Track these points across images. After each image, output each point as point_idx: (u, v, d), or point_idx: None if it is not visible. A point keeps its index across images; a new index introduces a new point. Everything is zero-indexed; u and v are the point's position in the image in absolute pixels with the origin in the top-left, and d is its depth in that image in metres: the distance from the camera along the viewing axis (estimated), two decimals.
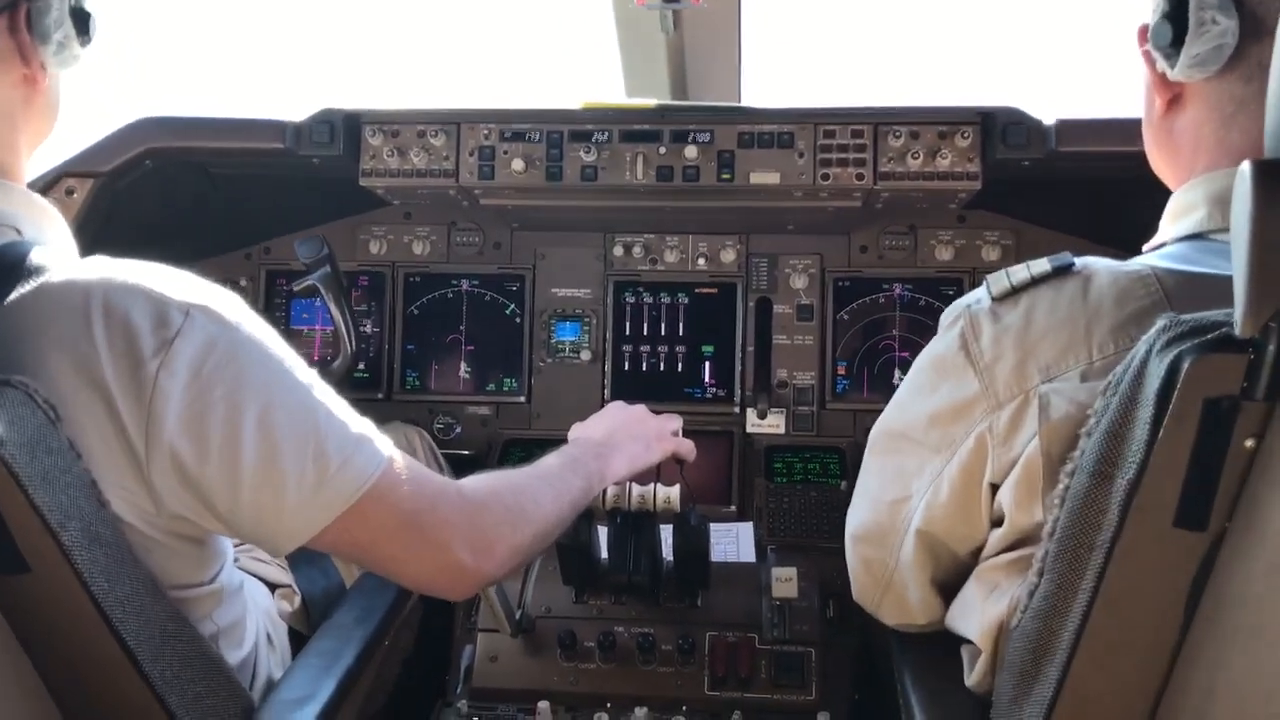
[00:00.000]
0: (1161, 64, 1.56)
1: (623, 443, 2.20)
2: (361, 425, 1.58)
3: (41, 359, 1.40)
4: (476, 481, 1.76)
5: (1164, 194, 1.69)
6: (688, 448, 2.33)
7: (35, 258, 1.47)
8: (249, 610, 1.84)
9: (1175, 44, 1.50)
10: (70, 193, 2.70)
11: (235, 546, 1.92)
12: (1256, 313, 1.08)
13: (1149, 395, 1.19)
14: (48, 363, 1.40)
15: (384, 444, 1.59)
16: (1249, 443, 1.15)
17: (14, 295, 1.42)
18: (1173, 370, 1.16)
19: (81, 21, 1.62)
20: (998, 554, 1.60)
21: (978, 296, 1.62)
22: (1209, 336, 1.16)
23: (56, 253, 1.55)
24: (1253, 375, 1.12)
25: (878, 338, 3.12)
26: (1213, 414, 1.15)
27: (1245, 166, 1.09)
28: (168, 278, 1.49)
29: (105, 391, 1.40)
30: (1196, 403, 1.15)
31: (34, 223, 1.61)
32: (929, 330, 3.06)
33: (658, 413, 2.37)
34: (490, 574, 1.71)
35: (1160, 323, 1.23)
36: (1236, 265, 1.09)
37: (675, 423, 2.37)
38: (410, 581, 1.71)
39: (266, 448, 1.46)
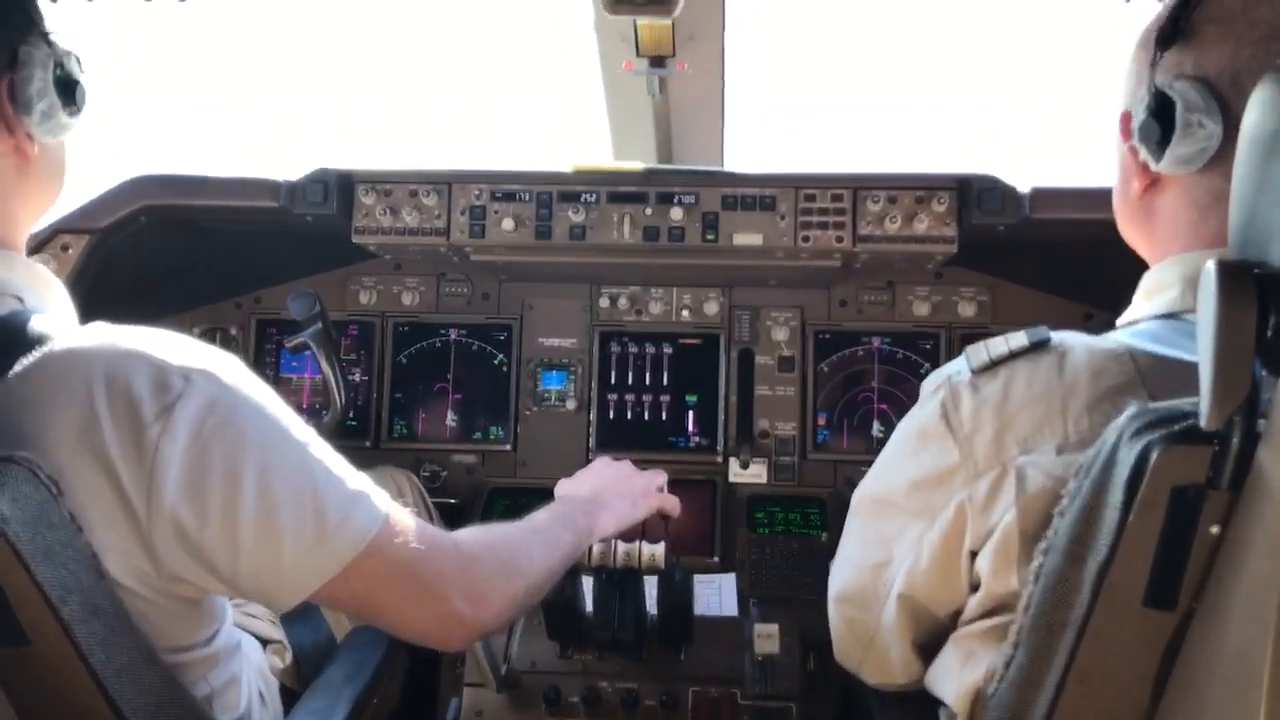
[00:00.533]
0: (1145, 155, 1.60)
1: (610, 500, 2.23)
2: (359, 481, 1.61)
3: (44, 430, 1.41)
4: (471, 534, 1.79)
5: (1133, 255, 1.75)
6: (673, 504, 2.36)
7: (36, 326, 1.49)
8: (244, 669, 1.85)
9: (1161, 142, 1.54)
10: (65, 249, 2.72)
11: (231, 602, 1.94)
12: (1221, 407, 1.13)
13: (1119, 482, 1.24)
14: (50, 433, 1.41)
15: (381, 499, 1.62)
16: (1214, 529, 1.19)
17: (17, 366, 1.44)
18: (1141, 459, 1.21)
19: (68, 91, 1.62)
20: (974, 620, 1.64)
21: (958, 368, 1.65)
22: (1176, 428, 1.21)
23: (57, 321, 1.57)
24: (1217, 466, 1.17)
25: (857, 389, 3.18)
26: (1180, 502, 1.19)
27: (1210, 266, 1.13)
28: (169, 343, 1.51)
29: (107, 460, 1.42)
30: (1164, 491, 1.20)
31: (35, 291, 1.62)
32: (907, 382, 3.16)
33: (643, 467, 2.40)
34: (486, 625, 1.74)
35: (1130, 410, 1.28)
36: (1202, 361, 1.14)
37: (660, 478, 2.40)
38: (407, 633, 1.72)
39: (265, 507, 1.48)
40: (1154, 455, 1.20)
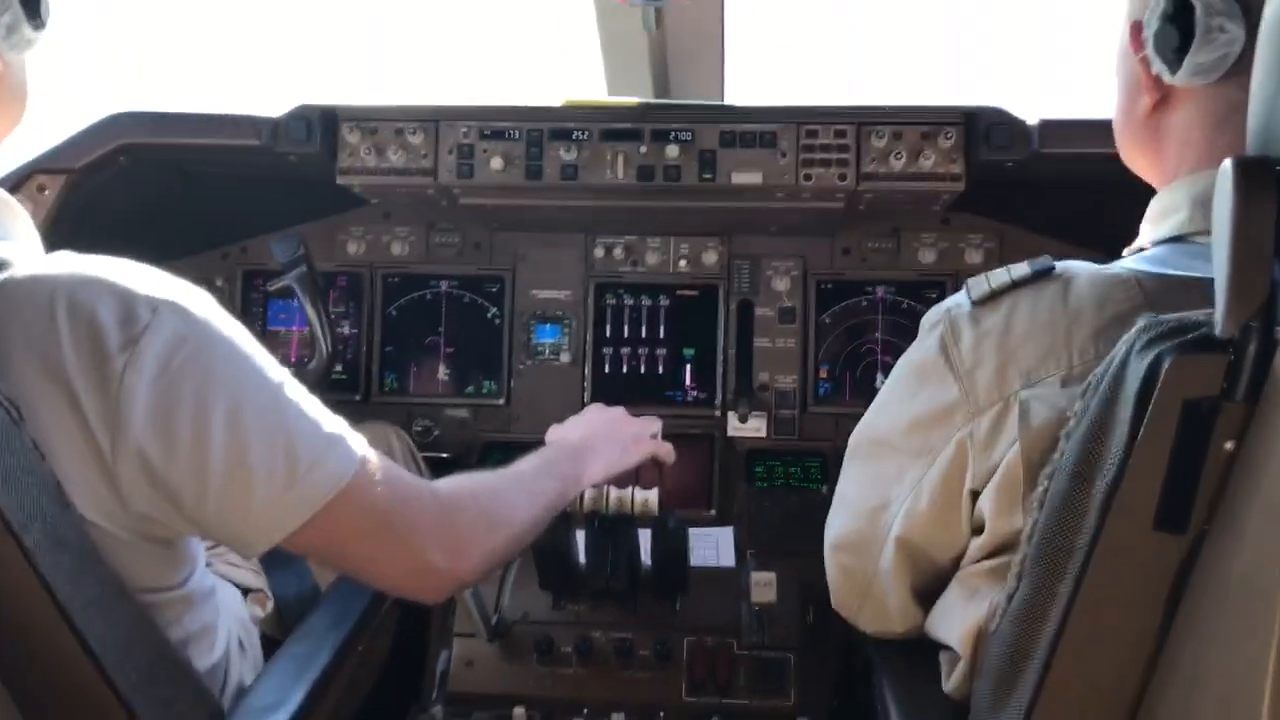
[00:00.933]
0: (1158, 66, 1.53)
1: (600, 446, 2.18)
2: (335, 424, 1.56)
3: (5, 357, 1.37)
4: (451, 483, 1.74)
5: (1146, 196, 1.68)
6: (666, 450, 2.31)
7: None
8: (220, 615, 1.81)
9: (1179, 50, 1.46)
10: (42, 190, 2.66)
11: (207, 549, 1.89)
12: (1236, 312, 1.07)
13: (1128, 395, 1.18)
14: (11, 361, 1.37)
15: (358, 444, 1.56)
16: (1228, 445, 1.13)
17: None
18: (1152, 370, 1.15)
19: (31, 3, 1.56)
20: (978, 561, 1.59)
21: (958, 300, 1.60)
22: (1189, 337, 1.15)
23: (21, 249, 1.52)
24: (1232, 376, 1.11)
25: (860, 341, 3.11)
26: (1192, 415, 1.13)
27: (1227, 164, 1.07)
28: (135, 273, 1.46)
29: (70, 390, 1.37)
30: (1176, 404, 1.14)
31: None
32: (911, 333, 3.02)
33: (637, 415, 2.35)
34: (464, 577, 1.69)
35: (1140, 323, 1.22)
36: (1217, 264, 1.08)
37: (654, 425, 2.35)
38: (383, 584, 1.69)
39: (235, 445, 1.44)
40: (1165, 366, 1.14)
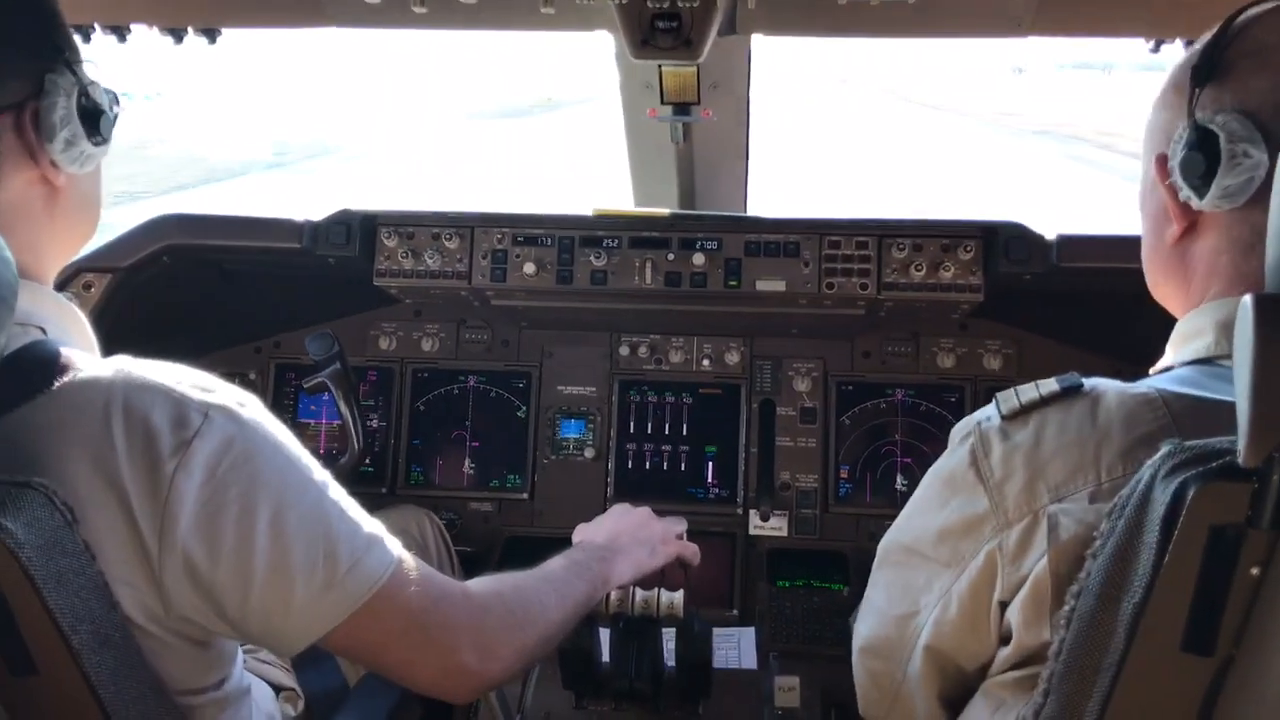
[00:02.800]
0: (1186, 193, 1.57)
1: (627, 546, 2.19)
2: (373, 526, 1.59)
3: (61, 458, 1.41)
4: (482, 584, 1.76)
5: (1161, 309, 1.72)
6: (692, 551, 2.32)
7: (58, 356, 1.48)
8: (254, 716, 1.82)
9: (1206, 176, 1.51)
10: (88, 287, 2.74)
11: (242, 648, 1.91)
12: (1260, 443, 1.10)
13: (1154, 520, 1.20)
14: (67, 461, 1.41)
15: (394, 545, 1.60)
16: (1254, 570, 1.16)
17: (38, 395, 1.43)
18: (1178, 497, 1.18)
19: (92, 120, 1.61)
20: (1005, 671, 1.59)
21: (988, 414, 1.62)
22: (1214, 465, 1.17)
23: (79, 352, 1.57)
24: (1257, 504, 1.14)
25: (880, 442, 3.14)
26: (1218, 541, 1.16)
27: (1247, 300, 1.11)
28: (188, 378, 1.50)
29: (122, 491, 1.41)
30: (1202, 530, 1.16)
31: (58, 323, 1.61)
32: (931, 436, 3.12)
33: (662, 515, 2.37)
34: (495, 677, 1.70)
35: (1165, 448, 1.24)
36: (1239, 396, 1.11)
37: (680, 526, 2.36)
38: (415, 683, 1.69)
39: (278, 549, 1.47)
40: (1191, 493, 1.16)
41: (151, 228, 2.82)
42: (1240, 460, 1.12)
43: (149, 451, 1.42)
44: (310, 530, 1.50)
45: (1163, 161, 1.63)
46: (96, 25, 2.19)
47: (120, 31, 2.23)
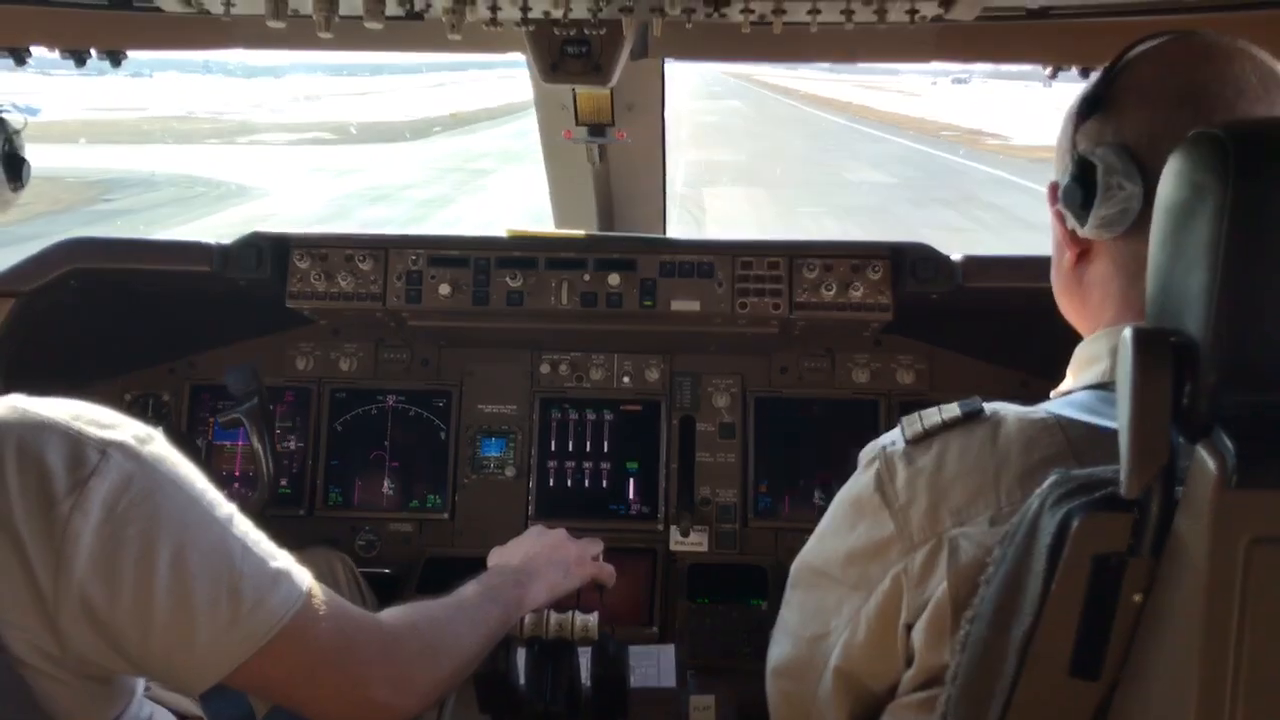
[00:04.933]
0: (1071, 222, 1.64)
1: (542, 569, 2.19)
2: (281, 560, 1.57)
3: None
4: (395, 615, 1.74)
5: (1063, 324, 1.77)
6: (608, 573, 2.33)
7: None
8: None
9: (1085, 205, 1.57)
10: None
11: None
12: (1139, 474, 1.14)
13: (1041, 549, 1.24)
14: None
15: (302, 578, 1.58)
16: (1136, 597, 1.20)
17: None
18: (1063, 527, 1.21)
19: (13, 168, 1.67)
20: (909, 693, 1.62)
21: (893, 438, 1.65)
22: (1097, 495, 1.21)
23: None
24: (1138, 533, 1.18)
25: (798, 456, 3.17)
26: (1102, 569, 1.20)
27: (1126, 334, 1.15)
28: (86, 413, 1.48)
29: (14, 534, 1.38)
30: (1086, 558, 1.20)
31: None
32: (847, 450, 3.11)
33: (582, 533, 2.37)
34: (409, 710, 1.69)
35: (1053, 477, 1.28)
36: (1120, 427, 1.15)
37: (596, 547, 2.37)
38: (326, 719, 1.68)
39: (179, 588, 1.45)
40: (1075, 523, 1.20)
41: (56, 251, 2.76)
42: (1123, 490, 1.16)
43: (43, 492, 1.39)
44: (213, 567, 1.48)
45: (1054, 190, 1.69)
46: None
47: (19, 54, 2.17)
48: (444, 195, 21.75)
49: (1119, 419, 1.16)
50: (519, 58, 2.40)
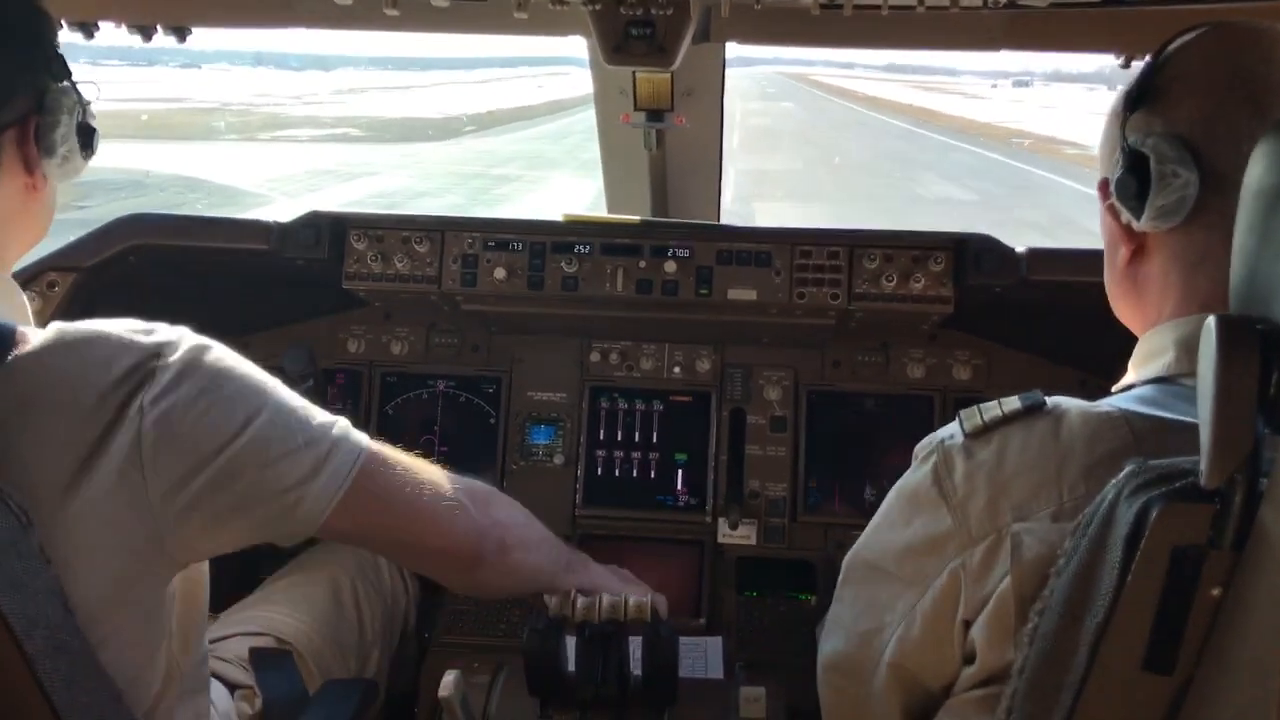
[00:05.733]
0: (1126, 216, 1.61)
1: (596, 568, 2.22)
2: (337, 419, 1.72)
3: (17, 451, 1.42)
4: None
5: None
6: (661, 601, 2.31)
7: (13, 332, 1.51)
8: (210, 713, 1.81)
9: (1139, 197, 1.55)
10: (52, 286, 2.71)
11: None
12: (1222, 465, 1.11)
13: (1117, 540, 1.21)
14: (25, 452, 1.42)
15: (361, 436, 1.73)
16: (1215, 591, 1.17)
17: None
18: (1141, 517, 1.19)
19: (86, 136, 1.70)
20: (968, 690, 1.60)
21: (951, 432, 1.63)
22: (1176, 485, 1.18)
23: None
24: (1219, 525, 1.15)
25: (849, 452, 3.14)
26: (1180, 562, 1.17)
27: (1210, 322, 1.12)
28: (126, 324, 1.57)
29: (97, 443, 1.45)
30: (1164, 550, 1.17)
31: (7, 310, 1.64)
32: (899, 446, 3.09)
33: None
34: (498, 544, 1.92)
35: (1129, 467, 1.25)
36: (1202, 418, 1.12)
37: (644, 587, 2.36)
38: (427, 547, 1.85)
39: (258, 451, 1.56)
40: (1153, 513, 1.17)
41: (117, 227, 2.79)
42: (1203, 481, 1.13)
43: (113, 395, 1.47)
44: (284, 432, 1.60)
45: (1105, 186, 1.68)
46: (63, 21, 2.17)
47: (88, 28, 2.20)
48: (455, 206, 20.11)
49: (1200, 408, 1.14)
50: (570, 52, 2.40)
